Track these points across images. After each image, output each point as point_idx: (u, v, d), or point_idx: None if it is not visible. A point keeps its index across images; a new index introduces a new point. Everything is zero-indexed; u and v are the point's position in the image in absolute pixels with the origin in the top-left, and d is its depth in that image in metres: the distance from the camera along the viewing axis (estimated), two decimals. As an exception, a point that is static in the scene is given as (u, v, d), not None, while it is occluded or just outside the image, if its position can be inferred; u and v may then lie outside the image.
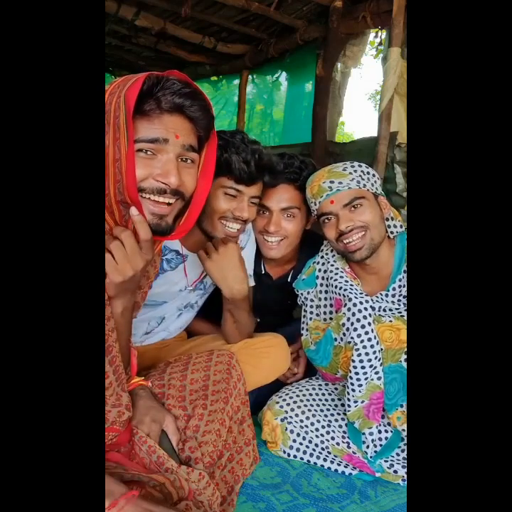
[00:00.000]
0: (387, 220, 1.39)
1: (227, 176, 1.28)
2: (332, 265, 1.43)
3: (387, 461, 1.29)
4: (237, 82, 4.11)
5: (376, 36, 3.14)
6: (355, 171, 1.33)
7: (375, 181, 1.37)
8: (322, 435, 1.35)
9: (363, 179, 1.32)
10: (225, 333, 1.46)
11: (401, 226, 1.41)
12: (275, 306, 1.74)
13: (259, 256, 1.63)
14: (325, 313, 1.46)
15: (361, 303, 1.25)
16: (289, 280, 1.68)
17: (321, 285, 1.47)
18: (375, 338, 1.23)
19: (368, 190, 1.33)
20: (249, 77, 4.00)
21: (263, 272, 1.70)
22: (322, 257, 1.48)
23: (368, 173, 1.35)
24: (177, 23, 3.32)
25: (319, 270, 1.47)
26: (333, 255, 1.46)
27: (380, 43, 2.96)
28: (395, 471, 1.28)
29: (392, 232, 1.40)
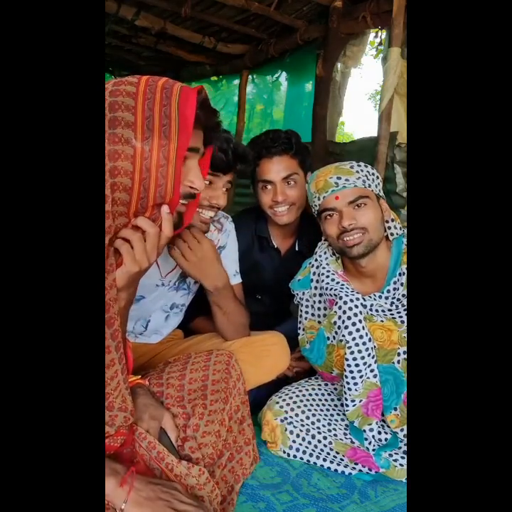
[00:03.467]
0: (387, 222, 1.40)
1: None
2: (324, 268, 1.42)
3: (391, 456, 1.29)
4: (237, 82, 4.10)
5: (376, 36, 3.13)
6: (362, 171, 1.33)
7: (379, 183, 1.38)
8: (324, 432, 1.35)
9: (368, 179, 1.33)
10: (219, 329, 1.45)
11: (400, 228, 1.42)
12: (286, 284, 1.76)
13: (267, 232, 1.78)
14: (319, 312, 1.46)
15: (352, 301, 1.25)
16: (296, 249, 1.80)
17: (315, 288, 1.47)
18: (367, 335, 1.23)
19: (372, 190, 1.33)
20: (249, 77, 3.99)
21: (275, 247, 1.80)
22: (316, 259, 1.48)
23: (373, 174, 1.36)
24: (177, 23, 3.32)
25: (314, 273, 1.47)
26: (326, 258, 1.45)
27: (380, 43, 2.96)
28: (401, 465, 1.28)
29: (391, 234, 1.41)
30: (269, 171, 1.64)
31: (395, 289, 1.36)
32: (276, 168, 1.63)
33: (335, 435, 1.35)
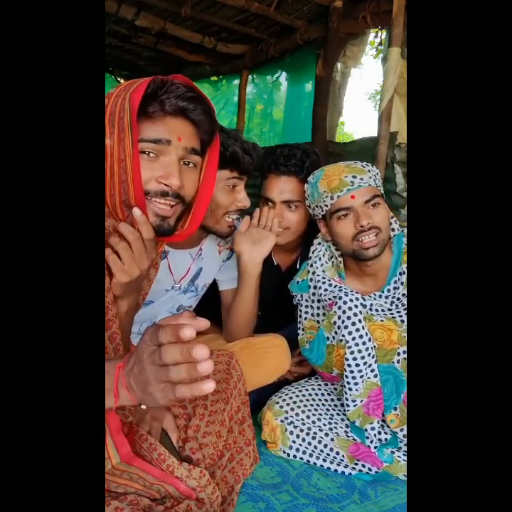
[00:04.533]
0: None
1: (230, 168, 1.28)
2: (319, 275, 1.42)
3: (393, 452, 1.29)
4: (237, 82, 4.11)
5: (376, 36, 3.14)
6: (372, 171, 1.34)
7: (381, 183, 1.39)
8: (326, 430, 1.35)
9: (377, 179, 1.34)
10: (236, 321, 1.47)
11: (399, 225, 1.43)
12: (287, 299, 1.76)
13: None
14: (319, 314, 1.46)
15: (351, 300, 1.24)
16: (297, 267, 1.73)
17: (314, 295, 1.47)
18: (366, 335, 1.23)
19: (380, 189, 1.34)
20: (249, 77, 4.00)
21: (275, 264, 1.75)
22: (311, 265, 1.47)
23: (378, 173, 1.37)
24: (177, 23, 3.32)
25: (311, 280, 1.47)
26: (322, 264, 1.44)
27: (380, 43, 2.97)
28: (404, 460, 1.27)
29: (392, 229, 1.41)
30: (272, 189, 1.58)
31: (395, 288, 1.36)
32: (281, 189, 1.57)
33: (337, 434, 1.35)
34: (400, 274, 1.36)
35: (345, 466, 1.32)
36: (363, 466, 1.30)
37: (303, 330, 1.49)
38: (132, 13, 3.15)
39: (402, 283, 1.36)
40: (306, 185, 1.44)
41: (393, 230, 1.42)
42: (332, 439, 1.34)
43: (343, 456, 1.32)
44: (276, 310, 1.75)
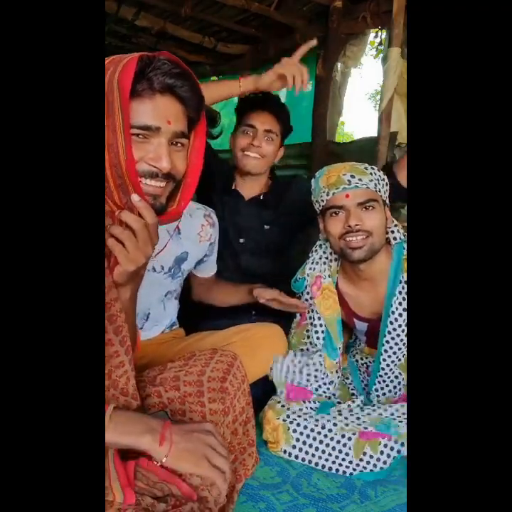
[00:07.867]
0: (389, 227, 1.39)
1: None
2: (306, 279, 1.49)
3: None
4: (237, 82, 4.10)
5: (376, 36, 3.14)
6: (374, 174, 1.33)
7: (386, 190, 1.37)
8: (325, 431, 1.35)
9: (378, 184, 1.32)
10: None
11: (402, 234, 1.42)
12: (253, 229, 1.90)
13: (231, 178, 1.93)
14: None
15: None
16: (261, 198, 1.91)
17: (308, 293, 1.48)
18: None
19: (381, 195, 1.33)
20: (249, 77, 3.99)
21: (233, 188, 1.92)
22: (310, 268, 1.49)
23: (384, 180, 1.36)
24: (177, 23, 3.32)
25: (308, 275, 1.48)
26: (316, 265, 1.48)
27: (380, 43, 2.97)
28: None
29: (395, 238, 1.40)
30: (257, 119, 1.81)
31: (399, 314, 1.37)
32: (265, 120, 1.82)
33: (342, 420, 1.36)
34: (401, 282, 1.36)
35: (347, 467, 1.32)
36: (365, 467, 1.30)
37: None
38: (132, 13, 3.15)
39: (404, 309, 1.35)
40: (312, 180, 1.44)
41: (395, 238, 1.41)
42: (332, 439, 1.34)
43: (345, 454, 1.32)
44: (249, 237, 1.88)
